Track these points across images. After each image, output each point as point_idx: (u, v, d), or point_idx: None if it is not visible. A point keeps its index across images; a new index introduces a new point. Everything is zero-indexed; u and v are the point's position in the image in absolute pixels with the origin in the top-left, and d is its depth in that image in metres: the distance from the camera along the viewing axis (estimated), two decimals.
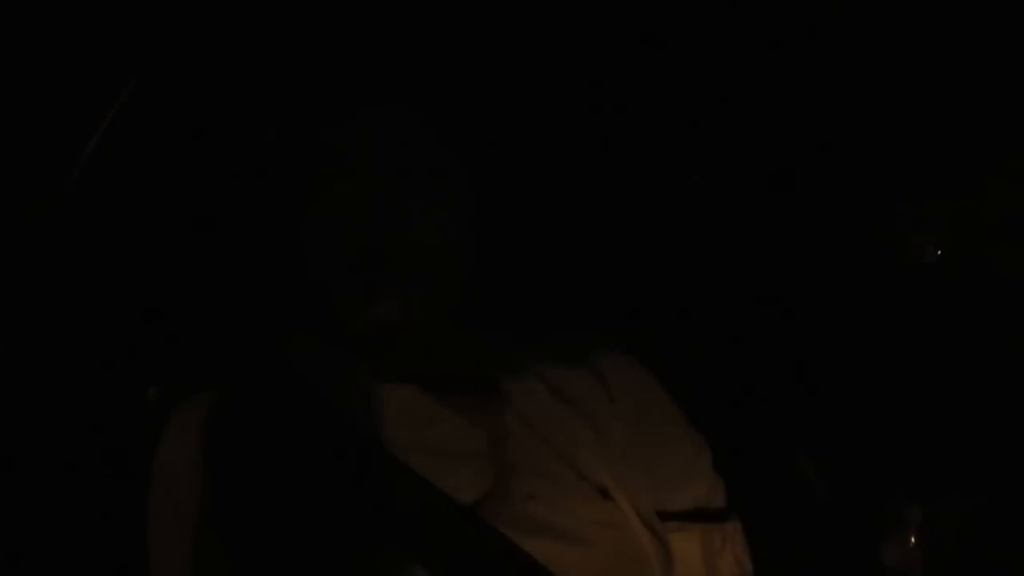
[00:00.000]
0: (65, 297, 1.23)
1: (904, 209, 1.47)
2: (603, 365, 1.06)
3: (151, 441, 1.03)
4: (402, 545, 0.91)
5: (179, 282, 1.29)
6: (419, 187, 0.96)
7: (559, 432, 1.01)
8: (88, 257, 1.23)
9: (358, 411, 0.98)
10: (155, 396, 1.26)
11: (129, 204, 1.26)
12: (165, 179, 1.26)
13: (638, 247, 1.43)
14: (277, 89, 1.08)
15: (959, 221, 1.44)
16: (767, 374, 1.41)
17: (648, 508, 1.01)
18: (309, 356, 1.02)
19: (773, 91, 1.41)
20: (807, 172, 1.45)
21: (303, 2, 1.16)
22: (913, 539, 1.27)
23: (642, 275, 1.42)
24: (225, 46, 1.24)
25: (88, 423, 1.24)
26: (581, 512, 0.96)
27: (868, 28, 1.35)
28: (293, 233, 1.00)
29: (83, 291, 1.23)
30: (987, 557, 1.25)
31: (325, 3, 1.12)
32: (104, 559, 1.19)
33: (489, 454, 0.98)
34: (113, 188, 1.21)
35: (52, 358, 1.24)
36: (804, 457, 1.38)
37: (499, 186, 1.06)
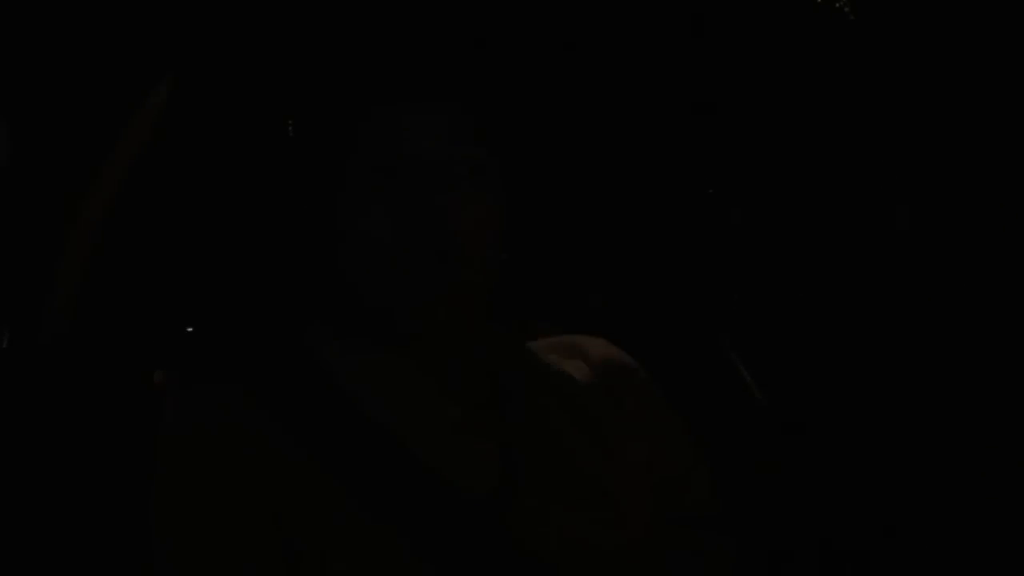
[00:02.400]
0: (78, 284, 1.23)
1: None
2: (609, 366, 1.08)
3: (156, 425, 1.04)
4: (406, 535, 0.93)
5: (193, 269, 1.30)
6: (462, 183, 0.97)
7: (564, 431, 1.02)
8: (102, 245, 1.24)
9: (372, 398, 0.99)
10: (161, 380, 1.27)
11: (147, 197, 1.26)
12: (186, 170, 1.27)
13: (642, 247, 1.44)
14: (318, 82, 1.08)
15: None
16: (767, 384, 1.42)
17: (647, 511, 1.02)
18: (326, 343, 1.03)
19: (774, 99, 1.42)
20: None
21: None
22: None
23: (647, 276, 1.43)
24: (265, 40, 1.24)
25: (95, 408, 1.25)
26: (581, 512, 0.98)
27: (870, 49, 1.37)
28: (325, 225, 1.00)
29: (97, 277, 1.24)
30: None
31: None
32: (108, 545, 1.19)
33: (496, 450, 0.99)
34: (131, 181, 1.22)
35: (62, 343, 1.24)
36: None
37: (526, 184, 1.06)
